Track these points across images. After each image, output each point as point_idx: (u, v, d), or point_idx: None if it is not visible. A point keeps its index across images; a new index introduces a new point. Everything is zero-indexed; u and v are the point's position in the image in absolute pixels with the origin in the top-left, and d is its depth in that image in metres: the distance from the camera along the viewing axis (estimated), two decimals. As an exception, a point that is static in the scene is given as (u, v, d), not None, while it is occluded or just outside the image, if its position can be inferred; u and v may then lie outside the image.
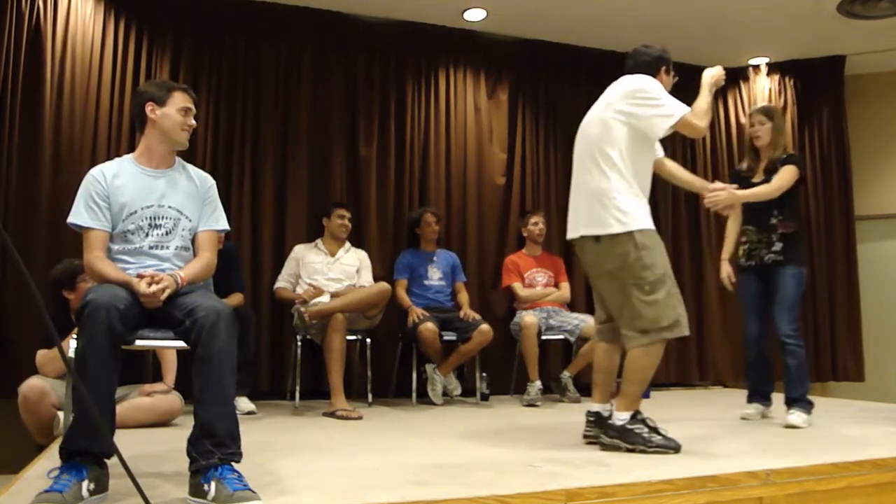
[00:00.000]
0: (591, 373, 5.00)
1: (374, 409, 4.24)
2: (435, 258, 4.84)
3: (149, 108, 2.38)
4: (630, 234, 2.69)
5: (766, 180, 3.58)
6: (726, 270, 3.79)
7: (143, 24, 4.66)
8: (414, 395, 4.56)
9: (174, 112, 2.38)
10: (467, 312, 4.63)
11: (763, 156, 3.70)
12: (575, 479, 2.18)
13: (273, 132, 4.91)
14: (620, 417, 2.71)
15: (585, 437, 2.90)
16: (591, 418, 2.88)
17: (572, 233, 2.91)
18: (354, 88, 5.16)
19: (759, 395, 3.72)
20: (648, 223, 2.74)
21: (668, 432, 2.72)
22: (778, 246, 3.58)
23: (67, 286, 3.43)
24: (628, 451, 2.65)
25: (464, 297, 4.84)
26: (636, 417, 2.71)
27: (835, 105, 6.03)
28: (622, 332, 2.77)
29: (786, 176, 3.53)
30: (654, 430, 2.70)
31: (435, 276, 4.79)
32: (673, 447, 2.65)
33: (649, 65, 2.95)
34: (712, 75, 3.00)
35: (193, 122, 2.44)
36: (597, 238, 2.77)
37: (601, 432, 2.78)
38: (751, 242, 3.67)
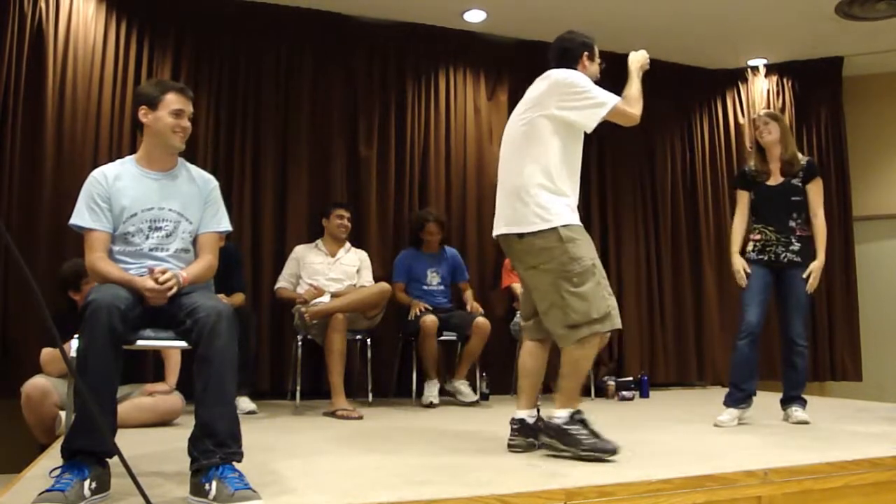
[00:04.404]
0: (590, 372, 5.08)
1: (374, 409, 4.25)
2: (436, 261, 4.82)
3: (141, 112, 2.37)
4: (554, 229, 2.60)
5: (785, 184, 3.64)
6: (740, 263, 3.65)
7: (145, 25, 4.67)
8: (414, 394, 4.57)
9: (165, 115, 2.35)
10: (473, 305, 4.73)
11: (771, 156, 3.70)
12: (574, 478, 2.18)
13: (273, 132, 4.92)
14: (558, 416, 2.59)
15: (510, 447, 2.72)
16: (516, 426, 2.74)
17: (495, 230, 2.80)
18: (354, 88, 5.17)
19: (739, 396, 3.51)
20: (573, 219, 2.65)
21: (605, 434, 2.57)
22: (796, 246, 3.60)
23: (73, 287, 3.45)
24: (563, 451, 2.55)
25: (468, 295, 4.88)
26: (574, 417, 2.59)
27: (833, 106, 6.05)
28: (555, 333, 2.66)
29: (821, 195, 3.69)
30: (593, 432, 2.57)
31: (434, 281, 4.78)
32: (610, 450, 2.50)
33: (571, 52, 2.83)
34: (637, 60, 2.86)
35: (187, 124, 2.40)
36: (520, 235, 2.67)
37: (528, 438, 2.68)
38: (766, 240, 3.64)
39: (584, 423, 2.60)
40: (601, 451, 2.50)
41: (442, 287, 4.82)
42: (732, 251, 3.75)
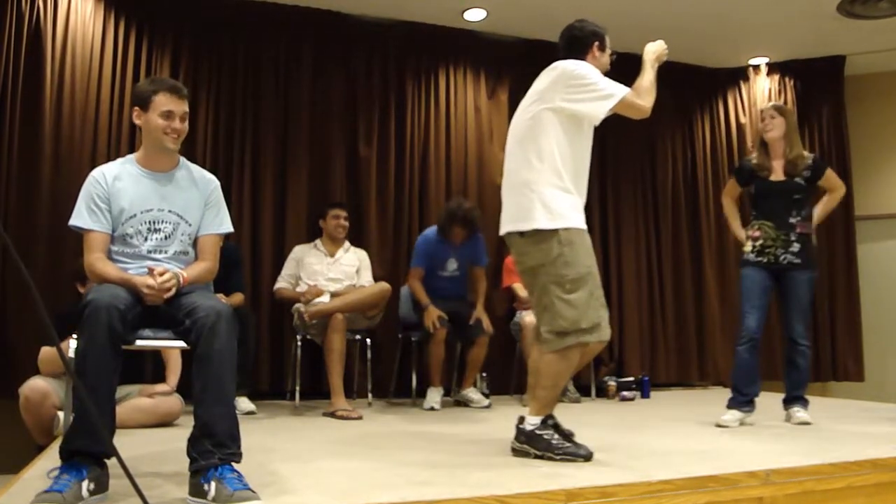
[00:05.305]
0: (590, 373, 5.08)
1: (374, 409, 4.24)
2: (460, 247, 4.58)
3: (135, 113, 2.36)
4: (555, 231, 2.52)
5: (788, 181, 3.57)
6: (743, 233, 3.69)
7: (144, 24, 4.66)
8: (414, 394, 4.56)
9: (156, 117, 2.32)
10: (478, 316, 4.51)
11: (774, 152, 3.62)
12: (575, 479, 2.18)
13: (273, 132, 4.91)
14: (531, 422, 2.56)
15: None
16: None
17: (501, 228, 2.71)
18: (354, 88, 5.16)
19: (742, 400, 3.51)
20: (576, 221, 2.56)
21: (578, 439, 2.58)
22: (796, 247, 3.54)
23: (81, 281, 3.44)
24: (537, 457, 2.51)
25: (481, 287, 4.67)
26: (547, 423, 2.56)
27: (834, 105, 6.04)
28: (543, 336, 2.57)
29: (838, 178, 3.70)
30: (565, 436, 2.56)
31: (451, 267, 4.62)
32: (583, 455, 2.48)
33: (580, 41, 2.74)
34: (654, 51, 2.74)
35: (178, 125, 2.34)
36: (521, 233, 2.59)
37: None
38: (766, 239, 3.58)
39: (556, 427, 2.58)
40: (575, 455, 2.49)
41: (458, 273, 4.65)
42: (734, 227, 3.80)
